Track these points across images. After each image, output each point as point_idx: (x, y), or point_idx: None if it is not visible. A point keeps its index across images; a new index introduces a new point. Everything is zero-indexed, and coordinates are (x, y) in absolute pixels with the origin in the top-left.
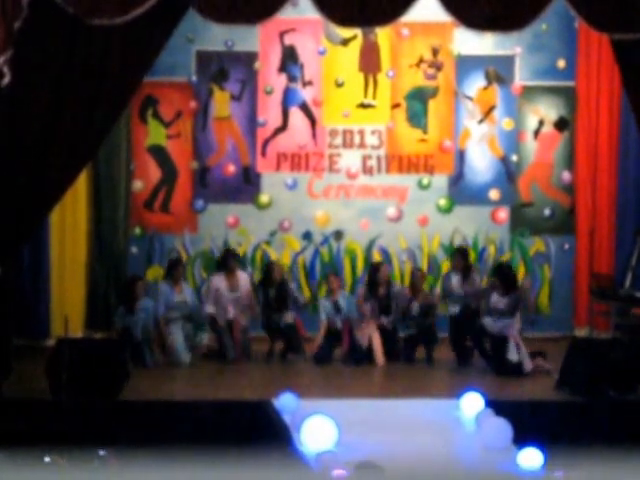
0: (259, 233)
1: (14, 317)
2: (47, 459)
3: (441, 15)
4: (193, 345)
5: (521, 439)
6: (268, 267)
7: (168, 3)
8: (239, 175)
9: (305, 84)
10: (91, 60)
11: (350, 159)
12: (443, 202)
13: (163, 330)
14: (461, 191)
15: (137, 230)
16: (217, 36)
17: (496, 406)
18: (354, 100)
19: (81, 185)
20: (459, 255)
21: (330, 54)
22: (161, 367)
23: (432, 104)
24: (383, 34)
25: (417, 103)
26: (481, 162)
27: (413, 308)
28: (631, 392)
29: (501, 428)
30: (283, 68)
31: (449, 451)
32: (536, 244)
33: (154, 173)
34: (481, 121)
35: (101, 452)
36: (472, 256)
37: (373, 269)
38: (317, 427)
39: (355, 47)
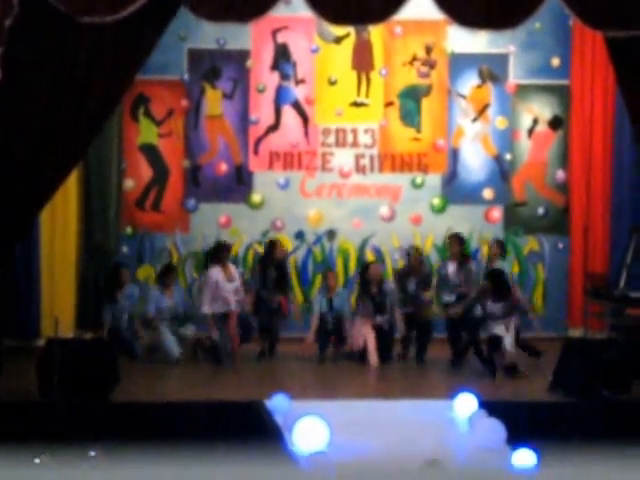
0: (251, 233)
1: (4, 317)
2: (37, 460)
3: (434, 13)
4: (180, 337)
5: (515, 440)
6: (270, 245)
7: (160, 1)
8: (231, 174)
9: (298, 82)
10: (82, 58)
11: (343, 158)
12: (436, 201)
13: (156, 326)
14: (455, 190)
15: (128, 229)
16: (209, 34)
17: (490, 407)
18: (347, 98)
19: (72, 184)
20: (455, 240)
21: (323, 52)
22: (153, 366)
23: (425, 102)
24: (376, 32)
25: (410, 101)
26: (475, 161)
27: (409, 284)
28: (625, 392)
29: (494, 429)
30: (275, 66)
31: (442, 452)
32: (530, 243)
33: (145, 172)
34: (475, 120)
35: (92, 453)
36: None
37: (363, 268)
38: (309, 428)
39: (348, 45)
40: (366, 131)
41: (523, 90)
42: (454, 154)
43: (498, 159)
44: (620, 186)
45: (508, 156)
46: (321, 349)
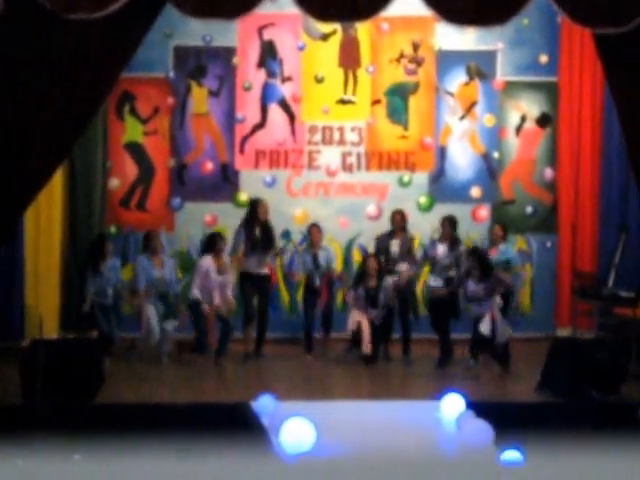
0: None
1: None
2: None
3: (422, 10)
4: (161, 328)
5: (502, 441)
6: (253, 205)
7: None
8: (217, 173)
9: (284, 80)
10: (68, 55)
11: (329, 156)
12: (424, 200)
13: (142, 303)
14: (442, 189)
15: (113, 229)
16: (195, 31)
17: (477, 408)
18: (334, 96)
19: (56, 183)
20: (447, 223)
21: (309, 49)
22: (138, 367)
23: (413, 100)
24: (363, 29)
25: (397, 99)
26: (462, 159)
27: (392, 247)
28: (614, 393)
29: (482, 430)
30: (262, 64)
31: (429, 453)
32: (518, 242)
33: (131, 170)
34: (462, 117)
35: (76, 456)
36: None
37: (363, 260)
38: (296, 430)
39: (335, 42)
40: (353, 129)
41: (511, 87)
42: (441, 152)
43: (486, 157)
44: (609, 184)
45: (496, 154)
46: (306, 312)
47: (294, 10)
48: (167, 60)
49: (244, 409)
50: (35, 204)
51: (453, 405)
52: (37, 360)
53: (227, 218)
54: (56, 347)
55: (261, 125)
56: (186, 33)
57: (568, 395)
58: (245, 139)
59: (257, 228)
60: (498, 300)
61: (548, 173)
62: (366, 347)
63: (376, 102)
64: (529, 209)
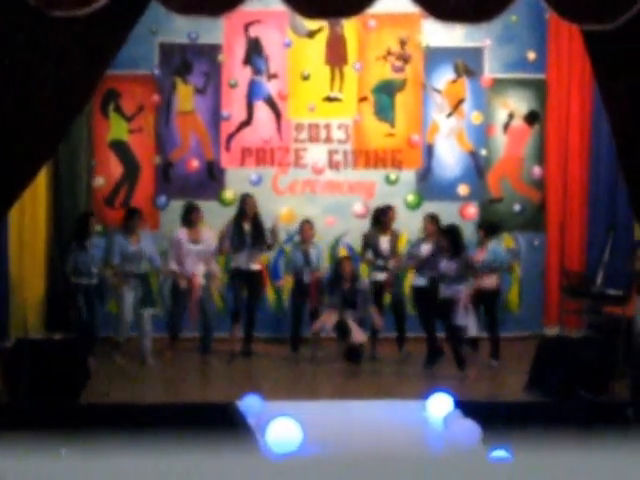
0: None
1: None
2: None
3: (409, 6)
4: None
5: (490, 441)
6: (242, 200)
7: None
8: (203, 171)
9: (270, 77)
10: (51, 53)
11: (316, 154)
12: (411, 198)
13: (117, 280)
14: (429, 186)
15: (98, 227)
16: (180, 28)
17: (465, 407)
18: (320, 93)
19: (41, 182)
20: (430, 220)
21: (296, 46)
22: (123, 367)
23: (400, 97)
24: (350, 26)
25: (384, 96)
26: (450, 157)
27: (382, 244)
28: (603, 392)
29: (470, 429)
30: (248, 61)
31: (417, 453)
32: (505, 240)
33: (115, 169)
34: (450, 115)
35: (62, 450)
36: None
37: (337, 262)
38: (282, 430)
39: (321, 39)
40: (339, 126)
41: (499, 84)
42: (429, 150)
43: (473, 155)
44: (597, 182)
45: (483, 152)
46: (294, 310)
47: (280, 7)
48: (152, 57)
49: (230, 409)
50: (19, 203)
51: (441, 404)
52: (22, 360)
53: (213, 216)
54: (41, 347)
55: (247, 123)
56: (171, 30)
57: (556, 394)
58: (231, 137)
59: (247, 223)
60: (468, 291)
61: (536, 171)
62: (356, 335)
63: (363, 99)
64: (517, 207)
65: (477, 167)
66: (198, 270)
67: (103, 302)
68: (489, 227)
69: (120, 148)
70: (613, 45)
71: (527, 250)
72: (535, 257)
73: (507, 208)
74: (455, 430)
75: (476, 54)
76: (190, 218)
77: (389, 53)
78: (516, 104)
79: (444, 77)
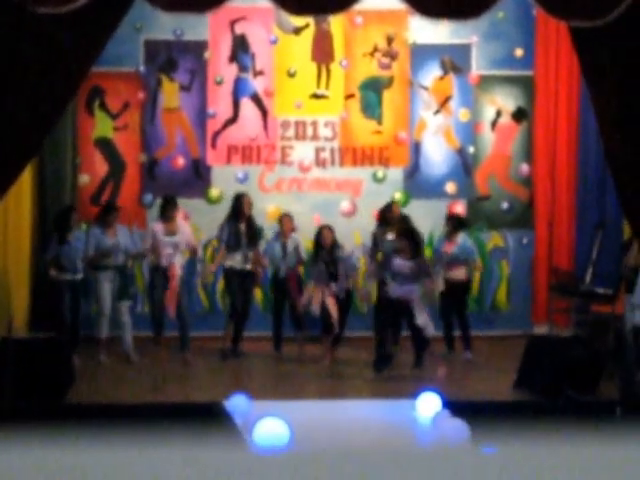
0: (210, 229)
1: None
2: None
3: (395, 3)
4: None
5: (478, 440)
6: (238, 200)
7: None
8: (189, 168)
9: (256, 74)
10: (37, 50)
11: (303, 151)
12: (398, 196)
13: (96, 275)
14: (417, 184)
15: (83, 226)
16: (166, 25)
17: (453, 407)
18: (306, 90)
19: (25, 180)
20: (401, 220)
21: (282, 43)
22: (109, 366)
23: (387, 94)
24: (336, 22)
25: (371, 93)
26: (437, 154)
27: (386, 238)
28: (592, 392)
29: (458, 429)
30: (234, 58)
31: (405, 453)
32: (493, 239)
33: (101, 167)
34: (437, 112)
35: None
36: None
37: (317, 233)
38: (269, 429)
39: (307, 36)
40: (326, 124)
41: (486, 81)
42: (416, 147)
43: (461, 152)
44: (585, 180)
45: (471, 149)
46: (274, 307)
47: (266, 3)
48: (137, 54)
49: (217, 408)
50: (3, 202)
51: (429, 404)
52: (6, 359)
53: (199, 214)
54: (25, 346)
55: (233, 120)
56: (157, 27)
57: (545, 393)
58: (217, 134)
59: (242, 223)
60: (421, 292)
61: (524, 168)
62: (334, 323)
63: (350, 97)
64: (505, 205)
65: (465, 165)
66: (175, 261)
67: (88, 298)
68: (458, 221)
69: (105, 146)
70: (601, 42)
71: (515, 248)
72: (523, 255)
73: (495, 206)
74: (444, 429)
75: (463, 51)
76: (164, 211)
77: (376, 50)
78: (504, 101)
79: (431, 74)
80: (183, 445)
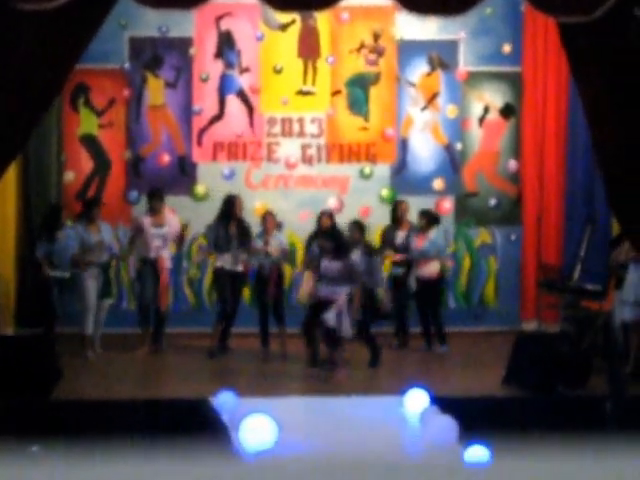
0: (196, 226)
1: None
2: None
3: None
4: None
5: (467, 436)
6: (229, 200)
7: None
8: (174, 165)
9: (242, 71)
10: (21, 46)
11: (289, 148)
12: (385, 192)
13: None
14: (404, 181)
15: (69, 223)
16: (151, 21)
17: (441, 403)
18: (293, 87)
19: (10, 177)
20: (356, 228)
21: (268, 39)
22: (96, 362)
23: (373, 91)
24: (322, 18)
25: (358, 90)
26: (424, 151)
27: (397, 239)
28: (580, 387)
29: (446, 425)
30: (219, 54)
31: (393, 449)
32: (481, 235)
33: (86, 164)
34: (424, 108)
35: (33, 448)
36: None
37: (318, 217)
38: (256, 426)
39: (294, 32)
40: (313, 120)
41: (474, 77)
42: (403, 144)
43: (448, 149)
44: (574, 176)
45: (459, 145)
46: (258, 304)
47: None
48: (122, 51)
49: (204, 405)
50: None
51: (417, 400)
52: None
53: (185, 211)
54: (11, 343)
55: (219, 117)
56: (142, 23)
57: (534, 389)
58: (203, 131)
59: (233, 224)
60: (349, 293)
61: (512, 165)
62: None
63: (336, 93)
64: (493, 201)
65: (452, 161)
66: (164, 254)
67: (74, 295)
68: (432, 217)
69: (90, 143)
70: (589, 38)
71: (503, 244)
72: (512, 251)
73: (483, 202)
74: (432, 426)
75: (451, 47)
76: (152, 206)
77: (362, 46)
78: (491, 97)
79: (418, 70)
80: (170, 442)
